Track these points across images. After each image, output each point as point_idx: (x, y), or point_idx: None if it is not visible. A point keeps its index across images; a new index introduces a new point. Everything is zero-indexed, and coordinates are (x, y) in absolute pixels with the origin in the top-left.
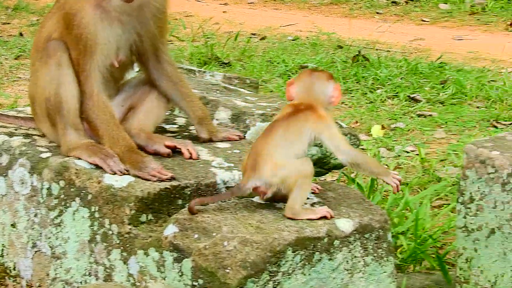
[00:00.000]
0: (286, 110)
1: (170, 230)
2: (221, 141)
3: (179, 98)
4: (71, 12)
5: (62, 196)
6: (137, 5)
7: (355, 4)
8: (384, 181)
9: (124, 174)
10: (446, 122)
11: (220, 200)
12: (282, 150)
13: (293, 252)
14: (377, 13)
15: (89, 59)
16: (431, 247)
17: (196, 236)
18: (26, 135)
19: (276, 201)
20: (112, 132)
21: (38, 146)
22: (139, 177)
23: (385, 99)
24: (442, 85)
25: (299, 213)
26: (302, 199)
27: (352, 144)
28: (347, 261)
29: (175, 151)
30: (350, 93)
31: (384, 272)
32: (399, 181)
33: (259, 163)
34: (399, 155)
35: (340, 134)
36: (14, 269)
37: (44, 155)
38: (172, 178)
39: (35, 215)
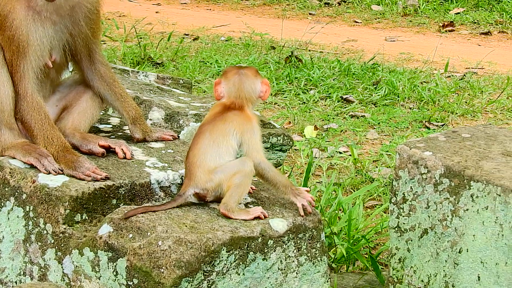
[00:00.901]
0: (214, 110)
1: (105, 229)
2: (155, 141)
3: (113, 99)
4: (2, 14)
5: None
6: (69, 6)
7: (287, 5)
8: (291, 192)
9: (59, 173)
10: (378, 123)
11: (164, 210)
12: (212, 154)
13: (227, 251)
14: (310, 14)
15: (22, 60)
16: (364, 247)
17: (130, 235)
18: None
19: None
20: (47, 132)
21: None
22: (73, 176)
23: (318, 100)
24: (375, 86)
25: (233, 211)
26: (239, 197)
27: (285, 145)
28: (281, 261)
29: (110, 151)
30: (283, 93)
31: (318, 272)
32: (312, 200)
33: (193, 171)
34: (332, 156)
35: (259, 141)
36: None
37: None
38: (107, 178)
39: None
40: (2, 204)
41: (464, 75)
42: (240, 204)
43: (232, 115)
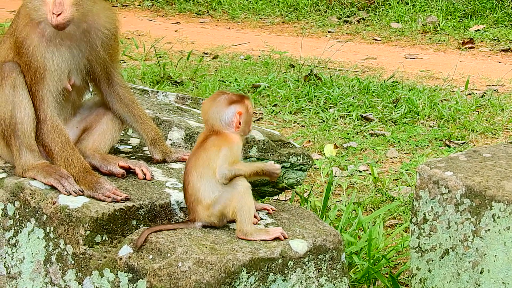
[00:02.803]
0: (198, 139)
1: (125, 250)
2: (175, 161)
3: (132, 120)
4: (19, 40)
5: (17, 216)
6: (81, 30)
7: (306, 23)
8: (266, 172)
9: (79, 194)
10: (398, 141)
11: (173, 229)
12: (204, 190)
13: (247, 273)
14: (329, 32)
15: (40, 85)
16: (384, 267)
17: (150, 257)
18: None
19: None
20: (67, 154)
21: None
22: (93, 197)
23: (337, 118)
24: (395, 104)
25: (250, 233)
26: (248, 218)
27: (304, 164)
28: (301, 282)
29: (130, 172)
30: (302, 112)
31: None
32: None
33: (194, 208)
34: (352, 175)
35: (231, 155)
36: None
37: None
38: (127, 199)
39: None
40: (23, 225)
41: (485, 92)
42: (259, 224)
43: (211, 141)
